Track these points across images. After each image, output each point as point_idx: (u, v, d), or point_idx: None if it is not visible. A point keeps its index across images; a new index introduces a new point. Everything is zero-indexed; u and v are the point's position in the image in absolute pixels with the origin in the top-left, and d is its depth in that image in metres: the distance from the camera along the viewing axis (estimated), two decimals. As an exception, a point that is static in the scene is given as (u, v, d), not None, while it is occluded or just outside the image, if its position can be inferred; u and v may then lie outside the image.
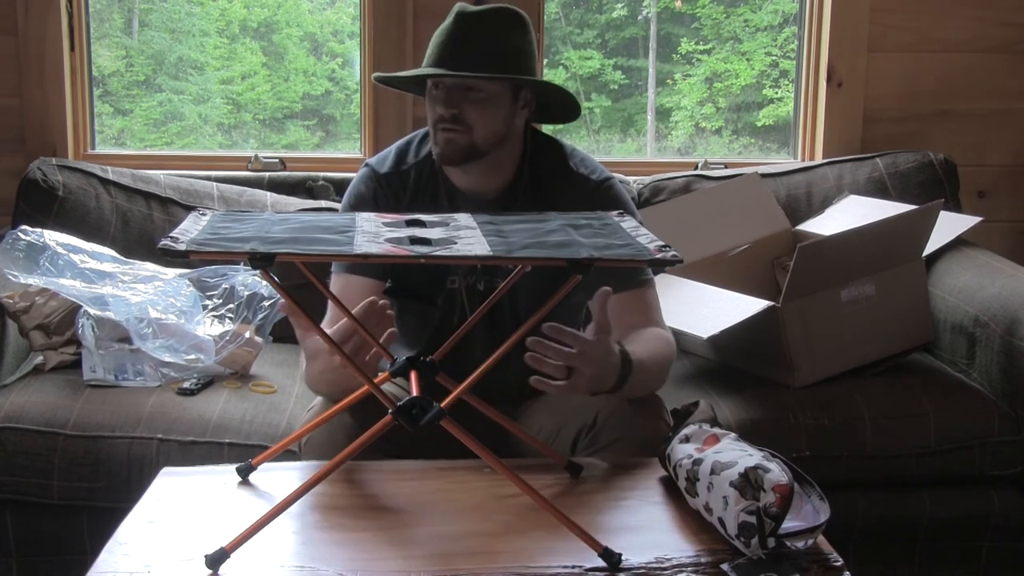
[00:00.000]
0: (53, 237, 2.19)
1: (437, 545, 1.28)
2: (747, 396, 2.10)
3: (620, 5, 3.75)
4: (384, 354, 1.44)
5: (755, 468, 1.24)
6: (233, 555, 1.21)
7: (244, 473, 1.47)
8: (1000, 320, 2.13)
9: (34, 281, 2.10)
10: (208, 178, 2.59)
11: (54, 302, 2.14)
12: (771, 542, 1.20)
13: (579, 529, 1.24)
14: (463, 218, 1.41)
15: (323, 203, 2.55)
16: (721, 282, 2.25)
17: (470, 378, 1.32)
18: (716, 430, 1.42)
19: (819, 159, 2.84)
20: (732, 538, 1.24)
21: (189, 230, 1.27)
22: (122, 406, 1.98)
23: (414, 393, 1.30)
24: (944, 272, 2.40)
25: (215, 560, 1.20)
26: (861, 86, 2.84)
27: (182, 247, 1.19)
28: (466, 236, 1.30)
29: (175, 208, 2.48)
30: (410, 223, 1.36)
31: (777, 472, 1.23)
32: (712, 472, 1.29)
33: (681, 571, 1.22)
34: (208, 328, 2.19)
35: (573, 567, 1.21)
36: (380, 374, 1.46)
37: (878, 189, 2.62)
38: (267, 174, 2.66)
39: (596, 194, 1.81)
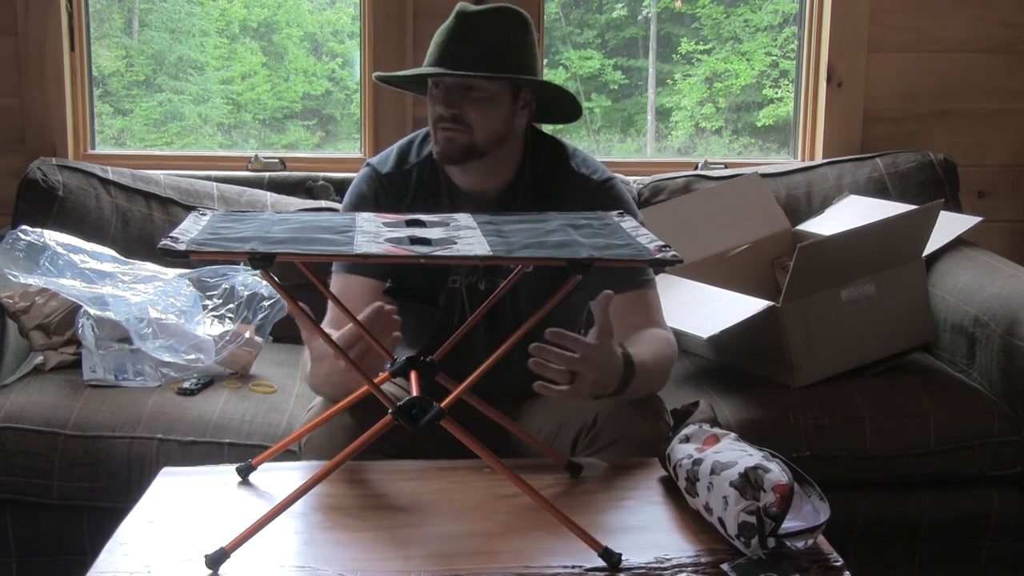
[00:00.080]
0: (53, 237, 2.19)
1: (437, 545, 1.28)
2: (747, 396, 2.10)
3: (620, 5, 3.75)
4: (387, 357, 1.44)
5: (755, 468, 1.24)
6: (233, 555, 1.21)
7: (244, 473, 1.47)
8: (1000, 320, 2.13)
9: (34, 281, 2.10)
10: (208, 178, 2.59)
11: (54, 302, 2.14)
12: (771, 542, 1.20)
13: (579, 529, 1.24)
14: (463, 218, 1.41)
15: (323, 203, 2.55)
16: (721, 282, 2.25)
17: (470, 378, 1.32)
18: (716, 430, 1.42)
19: (819, 159, 2.84)
20: (732, 538, 1.24)
21: (189, 230, 1.27)
22: (122, 406, 1.98)
23: (414, 393, 1.30)
24: (944, 272, 2.40)
25: (215, 560, 1.20)
26: (861, 86, 2.84)
27: (182, 247, 1.19)
28: (466, 236, 1.30)
29: (175, 208, 2.48)
30: (410, 223, 1.36)
31: (777, 472, 1.23)
32: (712, 472, 1.29)
33: (681, 571, 1.22)
34: (208, 328, 2.18)
35: (573, 567, 1.21)
36: (380, 374, 1.46)
37: (878, 189, 2.62)
38: (267, 174, 2.66)
39: (597, 194, 1.81)
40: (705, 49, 3.62)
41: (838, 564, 1.24)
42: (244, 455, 1.68)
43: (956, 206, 2.64)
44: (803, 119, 2.93)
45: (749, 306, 2.10)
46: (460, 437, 1.29)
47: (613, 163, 2.68)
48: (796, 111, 2.97)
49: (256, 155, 2.79)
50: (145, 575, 1.20)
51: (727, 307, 2.12)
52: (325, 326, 1.69)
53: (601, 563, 1.21)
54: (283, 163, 2.79)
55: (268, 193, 2.57)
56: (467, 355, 1.56)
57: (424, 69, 1.74)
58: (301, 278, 1.30)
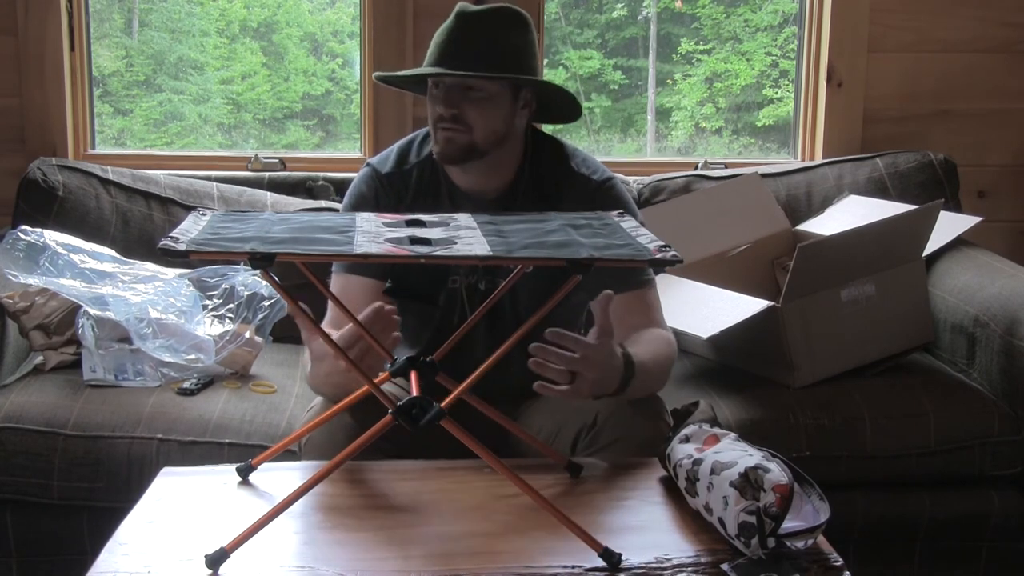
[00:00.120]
0: (53, 237, 2.19)
1: (437, 545, 1.28)
2: (747, 396, 2.10)
3: (620, 5, 3.75)
4: (387, 357, 1.44)
5: (755, 468, 1.24)
6: (233, 555, 1.21)
7: (244, 473, 1.47)
8: (1000, 320, 2.13)
9: (34, 281, 2.10)
10: (208, 178, 2.59)
11: (54, 302, 2.14)
12: (771, 542, 1.20)
13: (579, 529, 1.24)
14: (463, 218, 1.41)
15: (323, 203, 2.55)
16: (721, 282, 2.25)
17: (470, 378, 1.32)
18: (716, 430, 1.42)
19: (819, 159, 2.84)
20: (732, 538, 1.24)
21: (189, 230, 1.27)
22: (122, 406, 1.98)
23: (414, 393, 1.30)
24: (944, 272, 2.40)
25: (215, 560, 1.20)
26: (861, 86, 2.84)
27: (182, 247, 1.19)
28: (466, 236, 1.30)
29: (175, 208, 2.48)
30: (410, 223, 1.36)
31: (777, 472, 1.23)
32: (712, 472, 1.29)
33: (681, 571, 1.22)
34: (208, 328, 2.19)
35: (573, 567, 1.21)
36: (380, 374, 1.46)
37: (878, 189, 2.62)
38: (267, 174, 2.66)
39: (597, 194, 1.81)
40: (705, 49, 3.62)
41: (838, 564, 1.24)
42: (244, 455, 1.68)
43: (956, 206, 2.64)
44: (803, 119, 2.93)
45: (749, 306, 2.10)
46: (460, 437, 1.29)
47: (613, 163, 2.68)
48: (796, 111, 2.97)
49: (256, 155, 2.79)
50: (145, 575, 1.20)
51: (727, 307, 2.12)
52: (325, 326, 1.69)
53: (601, 563, 1.21)
54: (283, 163, 2.79)
55: (268, 193, 2.57)
56: (467, 355, 1.56)
57: (424, 69, 1.74)
58: (301, 278, 1.30)
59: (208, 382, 2.10)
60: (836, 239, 2.20)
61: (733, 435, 1.40)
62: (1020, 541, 2.09)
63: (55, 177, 2.44)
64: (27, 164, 2.48)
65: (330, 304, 1.72)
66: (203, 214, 1.37)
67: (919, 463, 2.06)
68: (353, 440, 1.32)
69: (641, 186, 2.65)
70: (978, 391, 2.14)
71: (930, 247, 2.31)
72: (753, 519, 1.20)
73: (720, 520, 1.27)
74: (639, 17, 3.77)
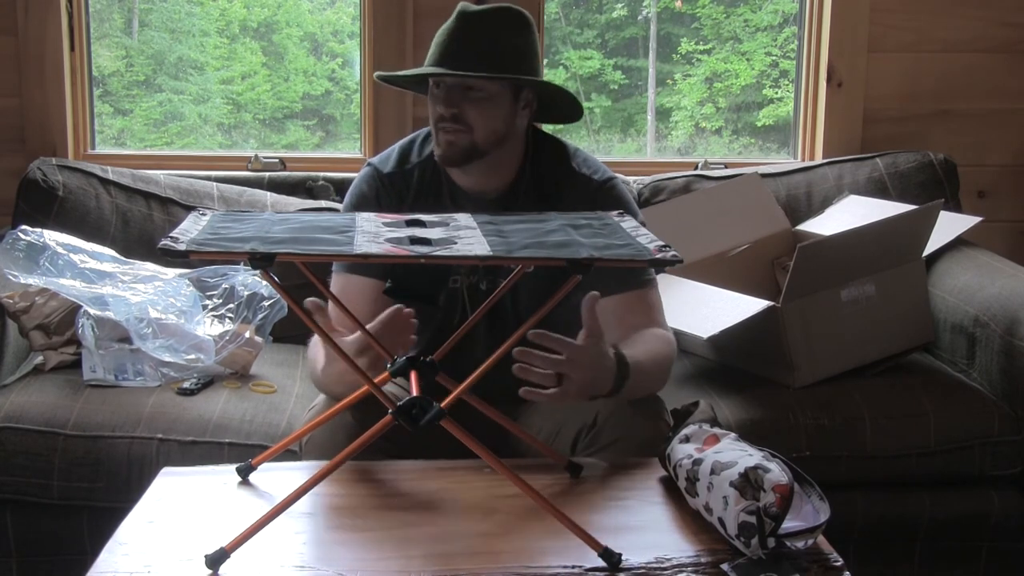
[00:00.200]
0: (53, 237, 2.19)
1: (437, 545, 1.28)
2: (747, 396, 2.10)
3: (620, 5, 3.75)
4: (387, 357, 1.44)
5: (755, 468, 1.24)
6: (233, 555, 1.21)
7: (244, 473, 1.47)
8: (1000, 320, 2.13)
9: (34, 281, 2.10)
10: (208, 178, 2.59)
11: (54, 302, 2.14)
12: (771, 542, 1.20)
13: (579, 529, 1.24)
14: (463, 218, 1.41)
15: (323, 203, 2.55)
16: (721, 282, 2.25)
17: (470, 378, 1.32)
18: (716, 430, 1.42)
19: (819, 159, 2.84)
20: (732, 538, 1.24)
21: (189, 230, 1.27)
22: (122, 406, 1.98)
23: (414, 393, 1.30)
24: (944, 272, 2.40)
25: (215, 560, 1.20)
26: (861, 86, 2.84)
27: (182, 247, 1.19)
28: (466, 236, 1.30)
29: (175, 208, 2.48)
30: (410, 223, 1.36)
31: (777, 472, 1.23)
32: (712, 472, 1.29)
33: (681, 571, 1.22)
34: (208, 328, 2.18)
35: (573, 567, 1.21)
36: (380, 374, 1.46)
37: (878, 189, 2.62)
38: (267, 174, 2.66)
39: (598, 194, 1.81)
40: (705, 49, 3.62)
41: (838, 564, 1.24)
42: (244, 455, 1.68)
43: (956, 206, 2.64)
44: (803, 119, 2.93)
45: (749, 306, 2.10)
46: (460, 437, 1.29)
47: (613, 163, 2.67)
48: (796, 111, 2.97)
49: (256, 155, 2.79)
50: (145, 575, 1.20)
51: (727, 307, 2.12)
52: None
53: (601, 563, 1.21)
54: (283, 163, 2.79)
55: (268, 193, 2.57)
56: (467, 355, 1.56)
57: (425, 69, 1.74)
58: (301, 278, 1.30)
59: (208, 382, 2.10)
60: (836, 239, 2.20)
61: (733, 435, 1.40)
62: (1020, 541, 2.09)
63: (55, 177, 2.44)
64: (27, 164, 2.48)
65: (331, 304, 1.72)
66: (203, 214, 1.37)
67: (919, 463, 2.06)
68: (353, 440, 1.32)
69: (641, 186, 2.65)
70: (978, 391, 2.14)
71: (930, 247, 2.31)
72: (753, 519, 1.20)
73: (720, 520, 1.26)
74: (639, 17, 3.78)
